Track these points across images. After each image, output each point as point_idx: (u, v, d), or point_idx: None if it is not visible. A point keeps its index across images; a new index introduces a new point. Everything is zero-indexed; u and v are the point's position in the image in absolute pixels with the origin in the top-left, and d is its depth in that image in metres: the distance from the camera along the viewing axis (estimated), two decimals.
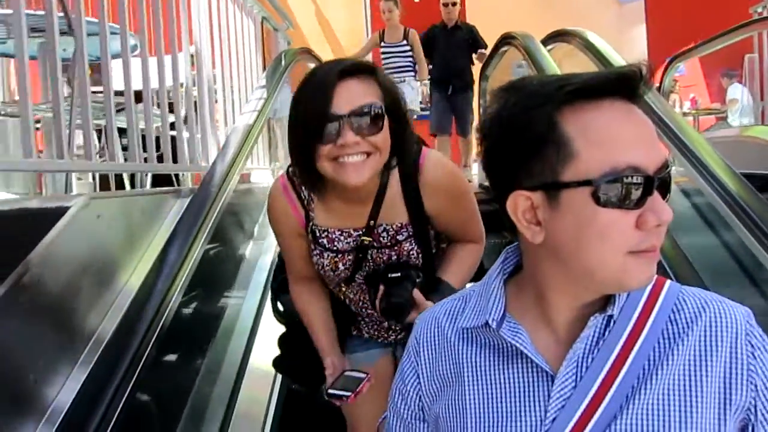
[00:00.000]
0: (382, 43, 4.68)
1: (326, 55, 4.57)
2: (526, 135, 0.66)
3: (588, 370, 0.69)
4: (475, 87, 4.78)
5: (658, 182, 0.64)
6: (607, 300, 0.71)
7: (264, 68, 3.20)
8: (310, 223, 1.31)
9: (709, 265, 2.00)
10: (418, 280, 1.28)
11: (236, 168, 2.03)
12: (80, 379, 1.26)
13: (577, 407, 0.67)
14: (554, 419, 0.68)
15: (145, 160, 2.11)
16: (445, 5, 4.69)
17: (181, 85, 2.43)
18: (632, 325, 0.69)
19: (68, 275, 1.38)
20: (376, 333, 1.45)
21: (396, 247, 1.31)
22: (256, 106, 2.40)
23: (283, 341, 1.58)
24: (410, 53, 4.62)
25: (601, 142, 0.64)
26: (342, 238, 1.30)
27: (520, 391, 0.71)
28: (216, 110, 2.75)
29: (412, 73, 4.64)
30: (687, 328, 0.69)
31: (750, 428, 0.68)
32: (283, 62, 2.83)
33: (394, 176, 1.28)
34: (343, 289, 1.39)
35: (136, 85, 2.05)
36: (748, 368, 0.67)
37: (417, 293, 1.26)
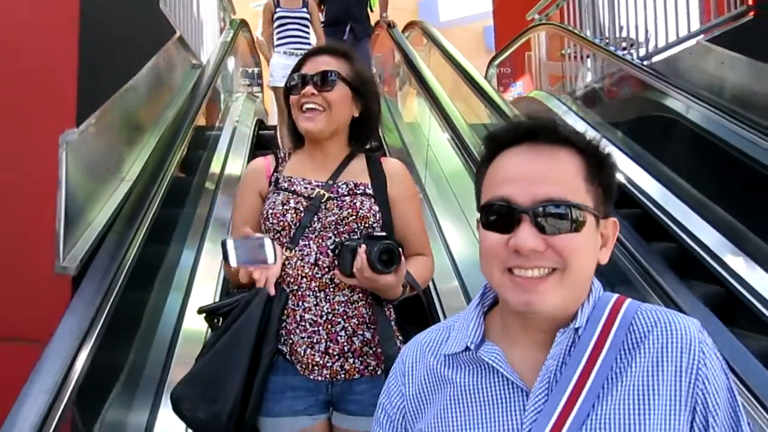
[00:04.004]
0: (277, 9, 4.15)
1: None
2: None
3: (558, 383, 0.74)
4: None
5: (531, 214, 0.73)
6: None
7: (221, 30, 5.13)
8: (275, 173, 1.45)
9: None
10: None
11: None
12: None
13: (548, 419, 0.72)
14: (529, 431, 0.74)
15: None
16: None
17: None
18: (595, 340, 0.75)
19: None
20: (308, 353, 1.33)
21: (353, 201, 1.37)
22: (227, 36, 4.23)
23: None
24: (310, 22, 4.20)
25: (493, 180, 0.79)
26: (302, 182, 1.40)
27: (498, 407, 0.77)
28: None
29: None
30: (643, 340, 0.75)
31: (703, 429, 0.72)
32: (237, 21, 4.82)
33: (361, 155, 1.48)
34: (285, 254, 1.35)
35: None
36: (697, 374, 0.72)
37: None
